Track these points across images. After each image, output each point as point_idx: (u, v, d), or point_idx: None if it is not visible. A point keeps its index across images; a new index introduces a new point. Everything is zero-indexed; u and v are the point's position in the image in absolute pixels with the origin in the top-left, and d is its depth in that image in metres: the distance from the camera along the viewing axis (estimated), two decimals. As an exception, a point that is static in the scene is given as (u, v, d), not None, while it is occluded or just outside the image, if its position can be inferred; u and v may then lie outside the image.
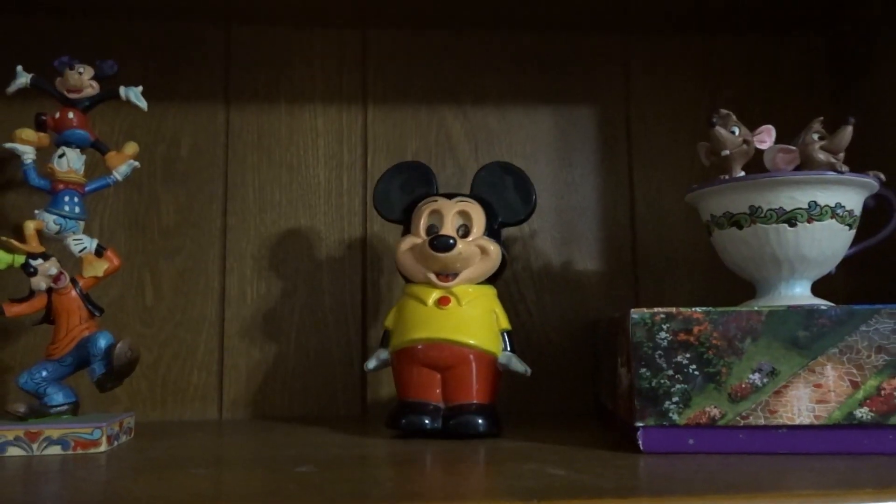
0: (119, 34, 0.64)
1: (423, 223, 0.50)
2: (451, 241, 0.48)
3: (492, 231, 0.51)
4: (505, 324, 0.51)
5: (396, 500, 0.30)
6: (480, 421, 0.47)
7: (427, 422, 0.47)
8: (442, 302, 0.49)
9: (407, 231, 0.51)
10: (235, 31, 0.66)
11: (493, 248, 0.50)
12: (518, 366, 0.50)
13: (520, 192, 0.53)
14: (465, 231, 0.50)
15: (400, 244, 0.51)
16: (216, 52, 0.66)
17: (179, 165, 0.64)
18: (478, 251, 0.49)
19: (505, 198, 0.53)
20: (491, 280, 0.51)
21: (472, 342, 0.48)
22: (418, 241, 0.50)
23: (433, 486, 0.33)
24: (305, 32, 0.67)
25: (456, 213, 0.50)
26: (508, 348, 0.50)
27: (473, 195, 0.52)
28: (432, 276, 0.49)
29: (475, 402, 0.48)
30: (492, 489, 0.32)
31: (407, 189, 0.53)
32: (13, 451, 0.43)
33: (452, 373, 0.48)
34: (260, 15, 0.65)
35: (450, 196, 0.51)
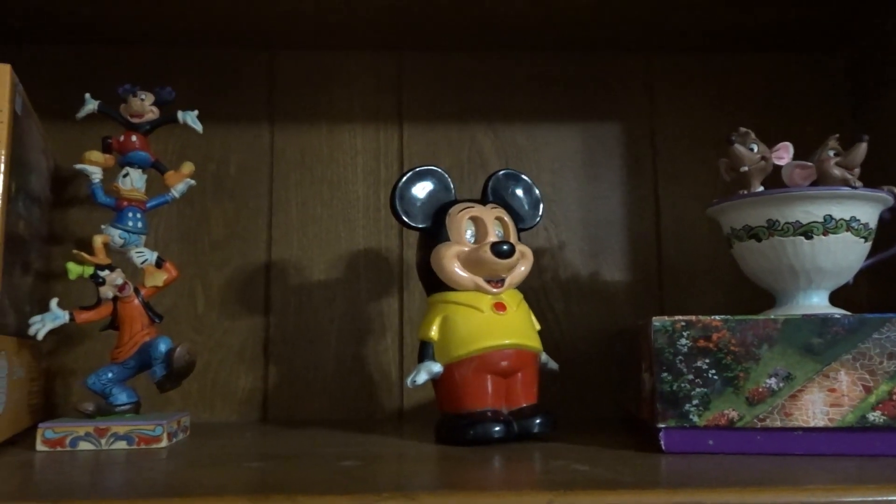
0: (172, 61, 0.69)
1: (464, 229, 0.50)
2: (512, 247, 0.48)
3: (518, 237, 0.52)
4: (537, 325, 0.52)
5: (434, 488, 0.33)
6: (547, 420, 0.48)
7: (499, 429, 0.46)
8: (498, 308, 0.49)
9: (436, 238, 0.50)
10: (278, 56, 0.71)
11: (530, 253, 0.51)
12: (550, 362, 0.52)
13: (529, 201, 0.54)
14: (503, 238, 0.51)
15: (441, 251, 0.49)
16: (261, 76, 0.70)
17: (228, 183, 0.69)
18: (520, 256, 0.50)
19: (515, 206, 0.54)
20: None
21: (532, 344, 0.49)
22: (465, 248, 0.49)
23: (467, 478, 0.36)
24: (344, 56, 0.71)
25: (494, 220, 0.51)
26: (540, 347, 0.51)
27: (497, 202, 0.53)
28: (482, 283, 0.49)
29: (536, 403, 0.50)
30: (520, 481, 0.35)
31: (427, 195, 0.52)
32: (84, 446, 0.47)
33: (517, 377, 0.49)
34: (301, 41, 0.69)
35: (481, 202, 0.52)
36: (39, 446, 0.47)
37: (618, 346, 0.65)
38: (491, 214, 0.51)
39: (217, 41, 0.69)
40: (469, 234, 0.50)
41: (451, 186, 0.53)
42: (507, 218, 0.51)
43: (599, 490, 0.32)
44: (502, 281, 0.50)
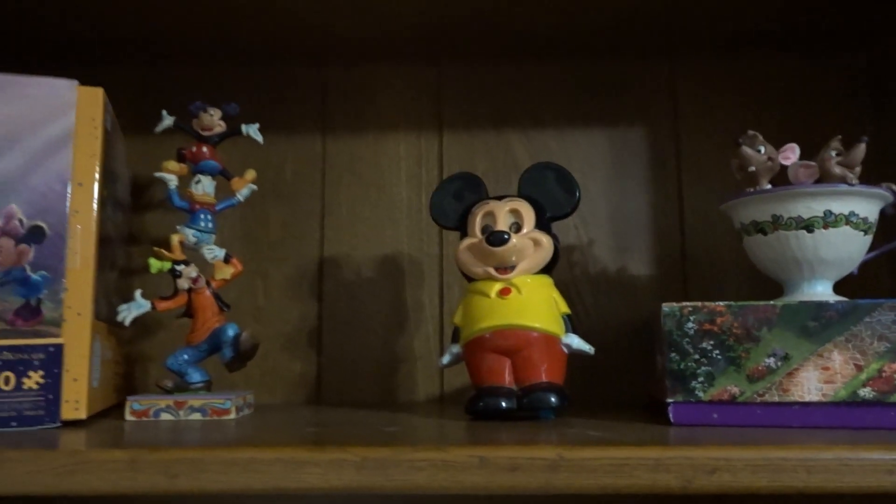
0: (235, 78, 0.77)
1: (478, 224, 0.55)
2: (505, 235, 0.52)
3: (542, 225, 0.55)
4: (564, 308, 0.54)
5: (463, 445, 0.38)
6: (552, 397, 0.50)
7: (503, 403, 0.51)
8: (503, 292, 0.53)
9: (463, 235, 0.57)
10: (329, 71, 0.77)
11: (546, 240, 0.54)
12: (582, 345, 0.54)
13: (563, 186, 0.56)
14: (517, 227, 0.54)
15: (460, 246, 0.55)
16: (314, 90, 0.77)
17: (284, 187, 0.76)
18: (531, 243, 0.53)
19: (550, 193, 0.56)
20: (546, 271, 0.55)
21: (534, 325, 0.52)
22: (475, 240, 0.54)
23: (493, 438, 0.41)
24: (388, 69, 0.77)
25: (507, 212, 0.55)
26: (570, 329, 0.54)
27: (520, 194, 0.56)
28: (491, 271, 0.53)
29: (545, 381, 0.52)
30: (536, 440, 0.40)
31: (459, 197, 0.58)
32: (165, 416, 0.55)
33: (521, 356, 0.52)
34: (350, 56, 0.76)
35: (500, 198, 0.56)
36: (128, 416, 0.54)
37: (644, 335, 0.69)
38: (504, 208, 0.55)
39: (274, 59, 0.76)
40: (484, 228, 0.55)
41: (482, 187, 0.58)
42: (524, 209, 0.55)
43: (603, 446, 0.37)
44: (511, 268, 0.53)
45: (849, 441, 0.38)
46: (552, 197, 0.56)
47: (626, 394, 0.70)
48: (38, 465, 0.37)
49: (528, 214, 0.55)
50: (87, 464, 0.37)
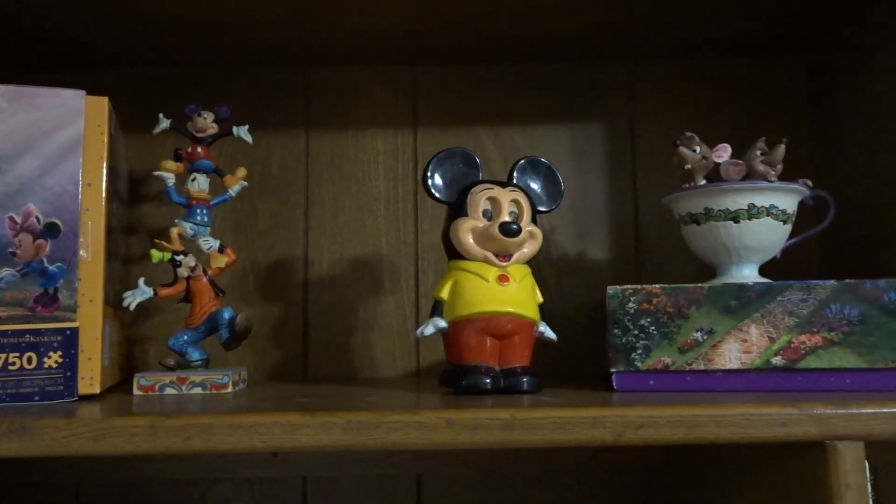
0: (225, 78, 0.82)
1: (480, 207, 0.56)
2: (518, 228, 0.54)
3: (533, 218, 0.58)
4: (540, 298, 0.58)
5: (433, 409, 0.45)
6: (530, 381, 0.54)
7: (488, 381, 0.54)
8: (502, 279, 0.55)
9: (458, 212, 0.57)
10: (313, 72, 0.83)
11: (539, 234, 0.57)
12: (550, 333, 0.58)
13: (553, 186, 0.60)
14: (516, 218, 0.57)
15: (459, 224, 0.56)
16: (298, 90, 0.83)
17: (271, 181, 0.82)
18: (529, 236, 0.56)
19: (540, 188, 0.60)
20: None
21: (527, 314, 0.55)
22: (479, 224, 0.56)
23: (457, 404, 0.48)
24: (367, 71, 0.83)
25: (510, 202, 0.57)
26: (541, 317, 0.58)
27: (518, 185, 0.59)
28: (491, 256, 0.55)
29: (524, 364, 0.56)
30: (494, 405, 0.47)
31: (456, 173, 0.58)
32: (169, 391, 0.61)
33: (509, 341, 0.55)
34: (332, 59, 0.82)
35: (502, 185, 0.57)
36: (136, 391, 0.61)
37: (600, 313, 0.77)
38: (507, 196, 0.56)
39: (262, 62, 0.81)
40: (485, 211, 0.57)
41: (480, 167, 0.59)
42: (523, 201, 0.57)
43: (550, 408, 0.45)
44: (510, 256, 0.56)
45: (754, 400, 0.46)
46: (542, 192, 0.60)
47: (586, 366, 0.78)
48: (72, 430, 0.43)
49: (526, 207, 0.57)
50: (113, 429, 0.43)
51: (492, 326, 0.55)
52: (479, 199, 0.56)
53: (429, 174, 0.58)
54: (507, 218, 0.55)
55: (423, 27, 0.74)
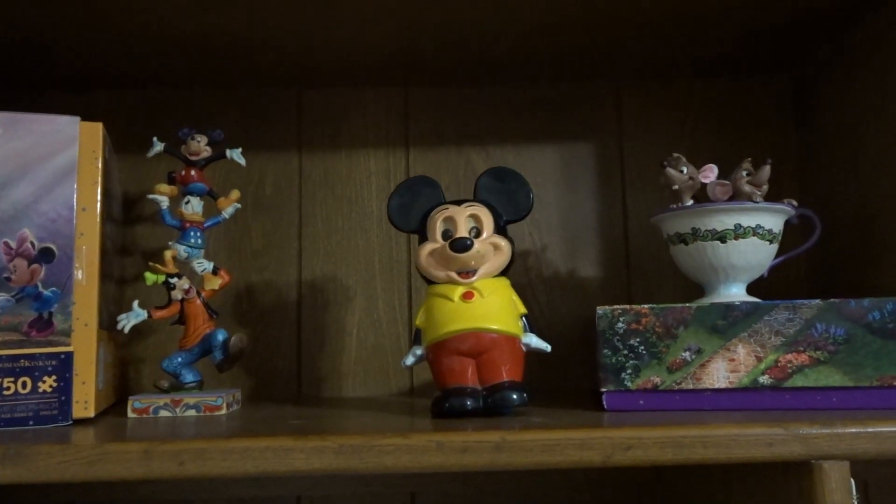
0: (218, 100, 0.83)
1: (438, 229, 0.56)
2: (469, 241, 0.54)
3: (499, 229, 0.57)
4: (522, 308, 0.57)
5: (423, 432, 0.46)
6: (514, 395, 0.53)
7: (469, 403, 0.53)
8: (467, 296, 0.55)
9: (424, 238, 0.58)
10: (305, 93, 0.84)
11: (504, 244, 0.56)
12: (540, 344, 0.56)
13: (518, 191, 0.58)
14: (477, 232, 0.56)
15: (420, 250, 0.56)
16: (290, 110, 0.84)
17: (264, 201, 0.83)
18: (491, 248, 0.55)
19: (505, 197, 0.58)
20: (503, 273, 0.57)
21: (497, 327, 0.54)
22: (437, 245, 0.56)
23: (448, 427, 0.49)
24: (359, 92, 0.84)
25: (467, 217, 0.56)
26: (528, 329, 0.56)
27: (478, 199, 0.58)
28: (454, 275, 0.55)
29: (507, 380, 0.54)
30: (485, 426, 0.48)
31: (417, 201, 0.59)
32: (163, 413, 0.61)
33: (484, 357, 0.54)
34: (324, 80, 0.82)
35: (459, 203, 0.57)
36: (130, 413, 0.61)
37: (590, 331, 0.77)
38: (464, 213, 0.56)
39: (254, 82, 0.82)
40: (444, 232, 0.56)
41: (440, 192, 0.59)
42: (482, 214, 0.56)
43: (539, 429, 0.45)
44: (473, 272, 0.55)
45: (741, 420, 0.46)
46: (507, 201, 0.58)
47: (576, 383, 0.79)
48: (67, 456, 0.43)
49: (487, 219, 0.56)
50: (108, 454, 0.44)
51: (461, 345, 0.54)
52: (436, 221, 0.57)
53: (392, 208, 0.59)
54: (464, 234, 0.55)
55: (414, 49, 0.75)
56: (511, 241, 0.58)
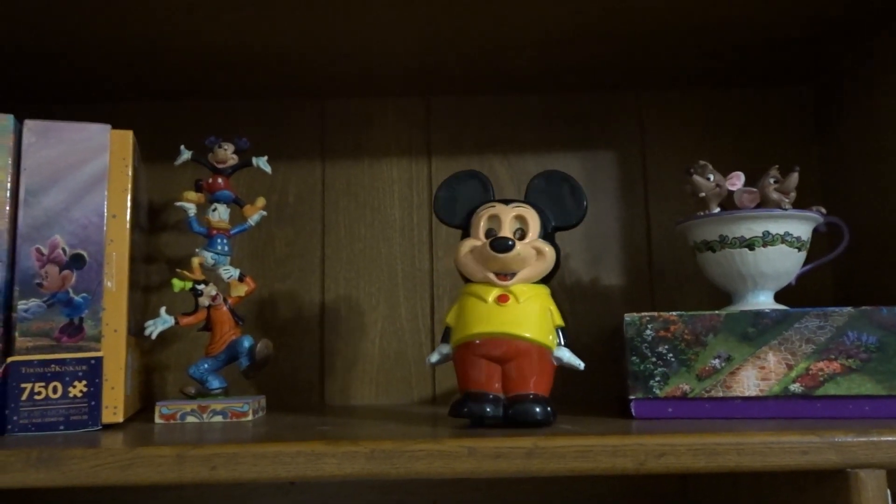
0: (243, 110, 0.84)
1: (482, 227, 0.54)
2: (510, 242, 0.51)
3: (546, 234, 0.54)
4: (559, 321, 0.54)
5: (455, 437, 0.46)
6: (538, 409, 0.50)
7: (488, 410, 0.50)
8: (501, 299, 0.52)
9: (467, 235, 0.55)
10: (328, 104, 0.85)
11: (548, 250, 0.53)
12: (573, 360, 0.53)
13: (574, 198, 0.56)
14: (522, 234, 0.54)
15: (461, 247, 0.54)
16: (314, 121, 0.85)
17: (287, 210, 0.83)
18: (534, 252, 0.53)
19: (559, 203, 0.56)
20: (545, 280, 0.55)
21: (529, 335, 0.51)
22: (478, 243, 0.53)
23: (477, 433, 0.49)
24: (382, 102, 0.85)
25: (513, 218, 0.54)
26: (563, 343, 0.53)
27: (528, 201, 0.55)
28: (491, 276, 0.53)
29: (532, 392, 0.51)
30: (516, 433, 0.48)
31: (466, 196, 0.56)
32: (190, 419, 0.62)
33: (511, 365, 0.52)
34: (347, 90, 0.83)
35: (507, 202, 0.55)
36: (158, 419, 0.61)
37: (614, 339, 0.77)
38: (510, 213, 0.54)
39: (278, 93, 0.83)
40: (488, 231, 0.54)
41: (490, 189, 0.57)
42: (529, 216, 0.54)
43: (571, 436, 0.45)
44: (512, 275, 0.53)
45: (775, 428, 0.46)
46: (558, 206, 0.56)
47: (599, 392, 0.78)
48: (100, 460, 0.44)
49: (534, 222, 0.54)
50: (141, 459, 0.44)
51: (489, 349, 0.52)
52: (481, 218, 0.54)
53: (439, 199, 0.57)
54: (507, 234, 0.52)
55: (436, 59, 0.75)
56: (557, 248, 0.55)
